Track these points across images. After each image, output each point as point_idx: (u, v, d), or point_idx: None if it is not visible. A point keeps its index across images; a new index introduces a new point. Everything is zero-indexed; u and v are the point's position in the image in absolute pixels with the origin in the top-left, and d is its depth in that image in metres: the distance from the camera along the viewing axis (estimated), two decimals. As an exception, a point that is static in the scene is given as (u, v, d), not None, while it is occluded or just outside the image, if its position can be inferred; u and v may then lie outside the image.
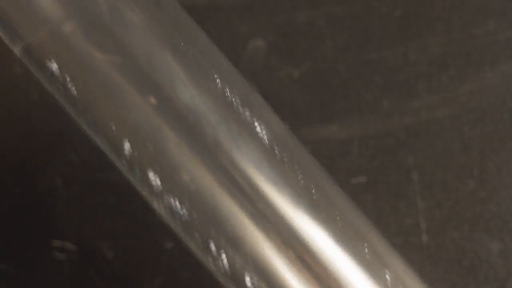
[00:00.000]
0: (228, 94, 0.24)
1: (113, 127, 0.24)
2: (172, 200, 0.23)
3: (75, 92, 0.24)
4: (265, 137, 0.23)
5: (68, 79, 0.24)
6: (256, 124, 0.23)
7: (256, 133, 0.23)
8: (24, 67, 0.35)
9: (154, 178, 0.23)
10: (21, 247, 0.34)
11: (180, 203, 0.23)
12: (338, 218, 0.24)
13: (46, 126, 0.35)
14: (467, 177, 0.34)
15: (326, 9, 0.35)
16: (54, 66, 0.23)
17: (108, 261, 0.34)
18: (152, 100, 0.23)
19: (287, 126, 0.24)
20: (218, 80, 0.24)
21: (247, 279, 0.23)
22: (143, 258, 0.34)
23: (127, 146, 0.23)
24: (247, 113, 0.23)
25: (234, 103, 0.23)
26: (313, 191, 0.23)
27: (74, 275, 0.34)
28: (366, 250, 0.25)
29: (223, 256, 0.23)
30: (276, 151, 0.23)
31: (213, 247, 0.24)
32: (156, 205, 0.23)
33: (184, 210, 0.23)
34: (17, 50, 0.24)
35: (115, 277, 0.34)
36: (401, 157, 0.34)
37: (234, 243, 0.23)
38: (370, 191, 0.34)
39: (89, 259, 0.34)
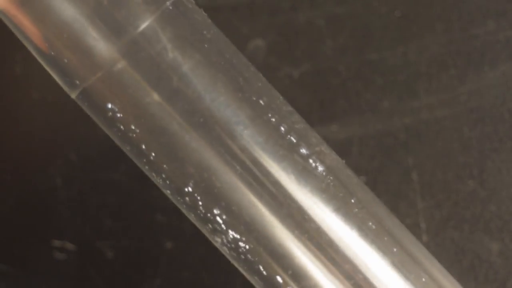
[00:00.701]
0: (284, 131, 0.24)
1: (175, 168, 0.24)
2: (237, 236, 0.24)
3: (133, 134, 0.24)
4: (322, 172, 0.24)
5: (126, 121, 0.24)
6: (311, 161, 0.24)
7: (313, 169, 0.24)
8: (24, 67, 0.35)
9: (219, 215, 0.24)
10: (21, 247, 0.34)
11: (245, 242, 0.24)
12: (395, 249, 0.25)
13: (46, 126, 0.35)
14: (467, 177, 0.34)
15: (326, 9, 0.35)
16: (111, 109, 0.24)
17: (108, 261, 0.34)
18: (213, 142, 0.23)
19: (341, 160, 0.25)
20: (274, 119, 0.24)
21: None
22: (143, 258, 0.34)
23: (190, 185, 0.24)
24: (303, 150, 0.24)
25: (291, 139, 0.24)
26: (370, 223, 0.24)
27: (74, 275, 0.34)
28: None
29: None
30: (331, 186, 0.24)
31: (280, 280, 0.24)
32: (219, 241, 0.24)
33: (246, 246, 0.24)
34: (73, 95, 0.24)
35: (115, 277, 0.34)
36: (401, 157, 0.34)
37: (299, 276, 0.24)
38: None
39: (89, 259, 0.34)
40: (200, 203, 0.24)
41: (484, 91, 0.35)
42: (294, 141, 0.24)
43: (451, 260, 0.34)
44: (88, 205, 0.34)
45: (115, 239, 0.34)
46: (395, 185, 0.34)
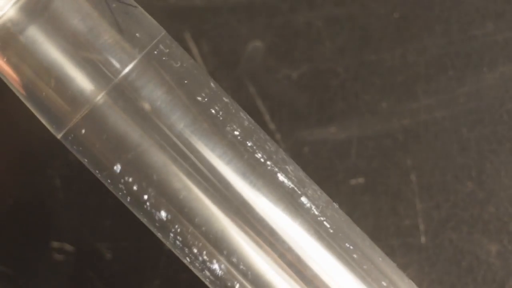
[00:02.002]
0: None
1: (168, 210, 0.25)
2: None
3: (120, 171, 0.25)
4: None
5: (111, 162, 0.25)
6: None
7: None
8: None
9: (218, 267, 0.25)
10: (20, 248, 0.34)
11: None
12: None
13: (45, 127, 0.35)
14: (466, 178, 0.34)
15: (325, 11, 0.35)
16: (95, 150, 0.24)
17: (107, 263, 0.34)
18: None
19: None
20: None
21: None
22: (142, 260, 0.34)
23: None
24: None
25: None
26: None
27: (72, 276, 0.34)
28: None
29: None
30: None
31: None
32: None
33: None
34: (58, 136, 0.25)
35: (114, 278, 0.34)
36: (400, 158, 0.34)
37: None
38: (369, 192, 0.34)
39: (87, 260, 0.34)
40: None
41: (483, 92, 0.35)
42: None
43: (450, 262, 0.34)
44: (87, 206, 0.34)
45: (114, 240, 0.34)
46: (394, 186, 0.34)
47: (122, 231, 0.34)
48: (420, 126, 0.34)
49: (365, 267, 0.25)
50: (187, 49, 0.35)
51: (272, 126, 0.34)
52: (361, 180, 0.34)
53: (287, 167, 0.25)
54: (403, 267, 0.30)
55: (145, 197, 0.25)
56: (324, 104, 0.35)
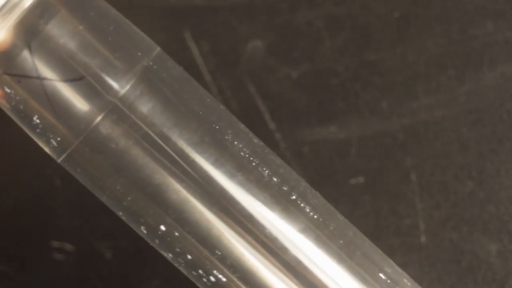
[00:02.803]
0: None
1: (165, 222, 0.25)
2: None
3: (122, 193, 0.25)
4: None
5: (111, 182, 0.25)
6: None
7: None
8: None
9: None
10: (20, 248, 0.34)
11: None
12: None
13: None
14: (466, 178, 0.34)
15: (325, 10, 0.35)
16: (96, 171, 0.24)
17: (106, 262, 0.34)
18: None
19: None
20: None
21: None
22: (142, 259, 0.34)
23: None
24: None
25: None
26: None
27: (72, 276, 0.34)
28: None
29: None
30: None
31: None
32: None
33: None
34: (57, 159, 0.25)
35: (114, 278, 0.34)
36: (400, 158, 0.34)
37: None
38: (369, 191, 0.34)
39: (87, 260, 0.34)
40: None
41: (483, 92, 0.35)
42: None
43: (450, 261, 0.34)
44: (87, 206, 0.34)
45: (114, 240, 0.34)
46: (394, 186, 0.34)
47: (122, 231, 0.34)
48: (420, 126, 0.34)
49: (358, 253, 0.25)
50: (187, 48, 0.35)
51: (272, 125, 0.34)
52: (361, 179, 0.34)
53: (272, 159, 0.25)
54: (403, 266, 0.30)
55: (143, 225, 0.25)
56: (324, 103, 0.35)
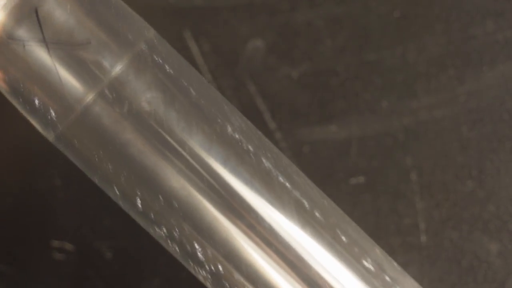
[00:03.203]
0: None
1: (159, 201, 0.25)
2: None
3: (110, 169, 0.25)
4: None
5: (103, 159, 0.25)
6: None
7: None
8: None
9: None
10: (20, 247, 0.34)
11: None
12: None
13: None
14: (466, 177, 0.34)
15: (325, 10, 0.35)
16: (87, 148, 0.24)
17: (107, 262, 0.34)
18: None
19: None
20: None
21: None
22: (142, 259, 0.34)
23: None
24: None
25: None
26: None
27: (73, 275, 0.34)
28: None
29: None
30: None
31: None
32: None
33: None
34: (50, 138, 0.25)
35: (114, 277, 0.34)
36: (400, 158, 0.34)
37: None
38: (369, 191, 0.34)
39: (88, 259, 0.34)
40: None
41: (483, 91, 0.35)
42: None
43: (450, 261, 0.34)
44: (87, 206, 0.34)
45: (114, 240, 0.34)
46: (394, 185, 0.34)
47: (122, 230, 0.34)
48: (420, 125, 0.34)
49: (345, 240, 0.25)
50: (187, 48, 0.35)
51: (272, 125, 0.34)
52: (361, 179, 0.34)
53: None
54: (404, 266, 0.30)
55: (138, 199, 0.25)
56: (324, 103, 0.35)
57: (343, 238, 0.25)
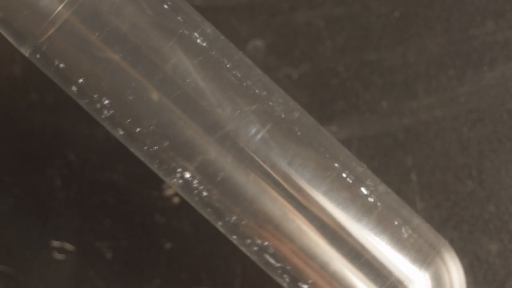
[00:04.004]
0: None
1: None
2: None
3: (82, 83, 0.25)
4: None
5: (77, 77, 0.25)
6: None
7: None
8: (24, 67, 0.35)
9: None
10: (20, 247, 0.34)
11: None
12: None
13: (45, 127, 0.35)
14: (466, 177, 0.34)
15: (325, 10, 0.35)
16: (62, 64, 0.24)
17: (107, 262, 0.34)
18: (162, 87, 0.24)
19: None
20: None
21: None
22: (142, 259, 0.34)
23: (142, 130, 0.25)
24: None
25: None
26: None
27: (73, 275, 0.34)
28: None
29: None
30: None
31: None
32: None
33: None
34: (25, 51, 0.25)
35: (114, 277, 0.34)
36: (400, 158, 0.34)
37: None
38: (369, 191, 0.34)
39: (88, 259, 0.34)
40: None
41: (483, 91, 0.35)
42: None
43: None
44: (87, 206, 0.34)
45: (114, 240, 0.34)
46: (394, 185, 0.34)
47: (122, 231, 0.34)
48: (421, 125, 0.34)
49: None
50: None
51: (272, 125, 0.34)
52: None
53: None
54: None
55: (105, 111, 0.25)
56: (324, 103, 0.35)
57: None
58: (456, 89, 0.35)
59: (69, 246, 0.34)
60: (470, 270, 0.33)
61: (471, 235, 0.34)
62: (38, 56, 0.25)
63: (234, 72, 0.25)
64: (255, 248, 0.25)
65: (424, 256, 0.25)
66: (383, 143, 0.34)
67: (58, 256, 0.34)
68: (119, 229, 0.34)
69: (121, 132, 0.25)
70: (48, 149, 0.34)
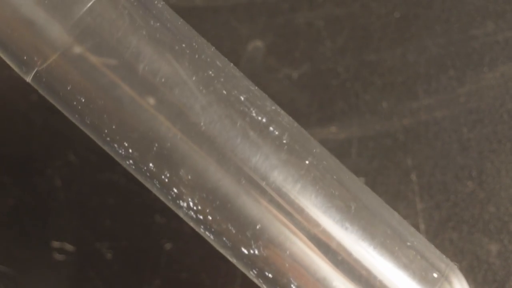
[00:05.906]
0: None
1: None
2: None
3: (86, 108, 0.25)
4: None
5: (82, 100, 0.25)
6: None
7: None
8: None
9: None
10: (20, 248, 0.34)
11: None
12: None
13: (45, 128, 0.35)
14: (466, 178, 0.34)
15: (325, 11, 0.35)
16: (67, 89, 0.24)
17: (107, 262, 0.34)
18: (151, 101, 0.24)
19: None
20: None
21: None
22: (142, 259, 0.34)
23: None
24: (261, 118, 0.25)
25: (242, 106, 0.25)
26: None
27: (73, 276, 0.34)
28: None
29: None
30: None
31: None
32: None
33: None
34: (28, 78, 0.25)
35: (114, 278, 0.34)
36: (400, 158, 0.34)
37: None
38: (369, 192, 0.34)
39: (88, 260, 0.34)
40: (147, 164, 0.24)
41: (483, 92, 0.35)
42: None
43: (450, 261, 0.34)
44: (87, 206, 0.34)
45: (114, 240, 0.34)
46: (395, 186, 0.34)
47: (122, 231, 0.34)
48: (421, 126, 0.34)
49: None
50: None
51: (272, 125, 0.34)
52: (361, 179, 0.34)
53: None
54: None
55: (106, 131, 0.25)
56: (324, 103, 0.35)
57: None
58: (456, 89, 0.35)
59: (69, 247, 0.34)
60: (470, 271, 0.33)
61: (471, 236, 0.34)
62: (41, 81, 0.25)
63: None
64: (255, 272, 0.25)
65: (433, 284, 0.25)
66: (383, 143, 0.34)
67: (58, 256, 0.34)
68: (119, 230, 0.34)
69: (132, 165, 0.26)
70: (48, 150, 0.34)
